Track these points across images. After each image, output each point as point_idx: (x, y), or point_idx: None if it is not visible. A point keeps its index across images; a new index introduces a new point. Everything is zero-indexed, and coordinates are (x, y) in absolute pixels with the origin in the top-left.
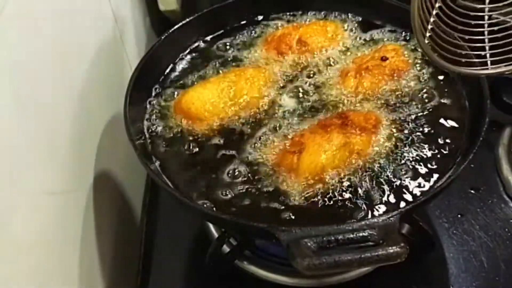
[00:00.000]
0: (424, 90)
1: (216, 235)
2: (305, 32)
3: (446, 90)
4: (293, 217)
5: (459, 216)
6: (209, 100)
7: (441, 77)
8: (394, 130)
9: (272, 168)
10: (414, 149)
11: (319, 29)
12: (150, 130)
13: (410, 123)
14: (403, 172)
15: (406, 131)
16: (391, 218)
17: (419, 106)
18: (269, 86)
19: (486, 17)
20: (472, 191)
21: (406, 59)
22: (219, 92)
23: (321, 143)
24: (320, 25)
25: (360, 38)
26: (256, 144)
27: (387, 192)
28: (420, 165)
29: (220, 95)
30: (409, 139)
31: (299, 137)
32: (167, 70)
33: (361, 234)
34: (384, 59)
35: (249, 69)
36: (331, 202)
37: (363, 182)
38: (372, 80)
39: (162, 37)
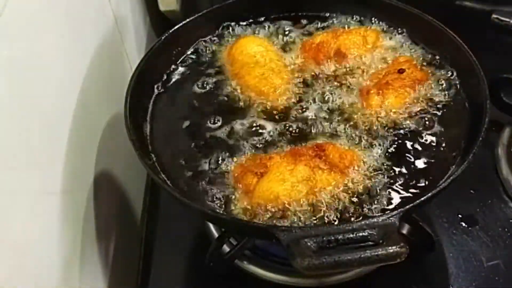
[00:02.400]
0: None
1: (216, 235)
2: (343, 43)
3: (445, 89)
4: None
5: (459, 216)
6: (253, 47)
7: (441, 79)
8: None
9: (233, 181)
10: (414, 146)
11: (359, 39)
12: (150, 130)
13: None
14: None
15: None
16: (391, 218)
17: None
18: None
19: None
20: (472, 191)
21: (422, 69)
22: (262, 51)
23: (284, 172)
24: (360, 33)
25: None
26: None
27: None
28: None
29: (263, 52)
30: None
31: (267, 159)
32: (168, 70)
33: (361, 234)
34: (401, 71)
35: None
36: None
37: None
38: (396, 95)
39: (162, 37)
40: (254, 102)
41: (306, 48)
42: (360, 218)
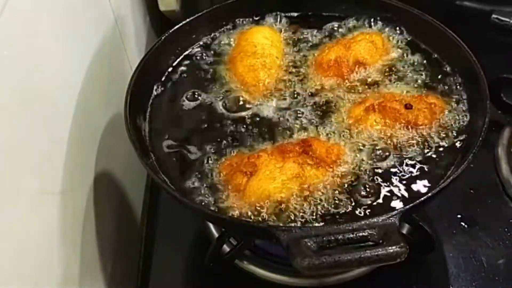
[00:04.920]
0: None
1: (216, 235)
2: (359, 52)
3: (446, 90)
4: None
5: (459, 216)
6: (259, 38)
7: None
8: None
9: (222, 182)
10: (413, 148)
11: (369, 46)
12: (150, 130)
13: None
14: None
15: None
16: (391, 218)
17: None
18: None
19: None
20: (472, 191)
21: (434, 117)
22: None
23: (273, 170)
24: (367, 39)
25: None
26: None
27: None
28: (419, 166)
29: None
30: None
31: (255, 157)
32: (168, 70)
33: (361, 234)
34: (408, 107)
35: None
36: None
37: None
38: (378, 121)
39: (162, 37)
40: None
41: (324, 67)
42: (351, 209)
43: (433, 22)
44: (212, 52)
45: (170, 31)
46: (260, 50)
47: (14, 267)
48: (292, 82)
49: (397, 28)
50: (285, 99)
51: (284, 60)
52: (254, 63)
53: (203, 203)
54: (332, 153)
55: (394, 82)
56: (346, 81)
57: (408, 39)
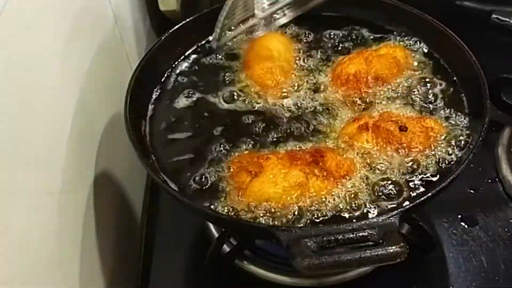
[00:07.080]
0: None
1: (216, 235)
2: (380, 69)
3: (446, 90)
4: None
5: (459, 216)
6: (274, 42)
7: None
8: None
9: (227, 177)
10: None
11: (391, 61)
12: (150, 130)
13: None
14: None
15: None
16: (391, 218)
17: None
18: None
19: None
20: (472, 191)
21: (429, 142)
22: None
23: (277, 175)
24: (390, 53)
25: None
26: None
27: None
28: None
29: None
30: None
31: (264, 159)
32: (168, 70)
33: (361, 234)
34: (402, 129)
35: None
36: None
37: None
38: (370, 141)
39: (162, 37)
40: (255, 96)
41: (342, 80)
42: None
43: (432, 22)
44: (212, 52)
45: (170, 31)
46: (276, 54)
47: (14, 267)
48: (307, 86)
49: (396, 29)
50: (298, 102)
51: (297, 63)
52: (272, 67)
53: (203, 203)
54: (342, 167)
55: (396, 88)
56: (360, 95)
57: (408, 39)
